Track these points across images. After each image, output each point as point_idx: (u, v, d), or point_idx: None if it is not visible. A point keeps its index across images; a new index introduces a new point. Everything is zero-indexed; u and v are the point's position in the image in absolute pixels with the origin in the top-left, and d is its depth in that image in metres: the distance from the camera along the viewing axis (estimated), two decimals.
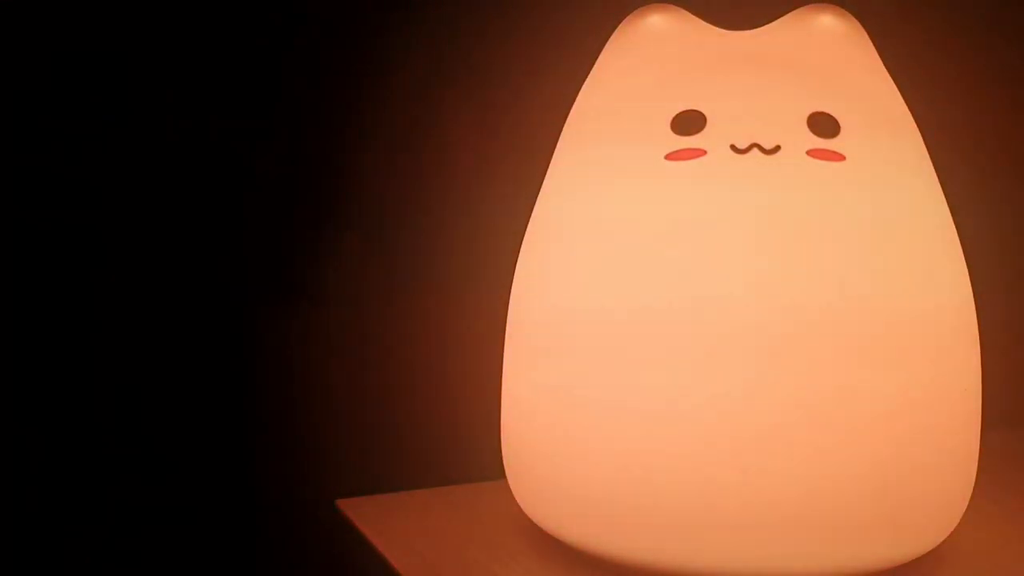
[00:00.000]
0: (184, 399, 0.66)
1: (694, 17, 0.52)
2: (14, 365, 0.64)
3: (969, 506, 0.51)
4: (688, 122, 0.48)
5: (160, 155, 0.65)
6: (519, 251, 0.54)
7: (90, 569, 0.65)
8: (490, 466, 0.57)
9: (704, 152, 0.47)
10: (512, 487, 0.54)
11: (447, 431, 0.69)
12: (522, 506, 0.54)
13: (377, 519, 0.58)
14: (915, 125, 0.51)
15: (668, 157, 0.48)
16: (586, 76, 0.54)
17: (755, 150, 0.47)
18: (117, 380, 0.65)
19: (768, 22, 0.52)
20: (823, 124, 0.48)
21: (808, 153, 0.47)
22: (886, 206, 0.47)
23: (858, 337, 0.45)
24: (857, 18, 0.52)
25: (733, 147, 0.47)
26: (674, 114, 0.49)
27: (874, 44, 0.52)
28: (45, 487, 0.64)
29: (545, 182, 0.54)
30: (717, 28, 0.52)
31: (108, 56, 0.64)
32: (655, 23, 0.52)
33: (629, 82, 0.52)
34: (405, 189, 0.70)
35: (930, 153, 0.51)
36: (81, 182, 0.64)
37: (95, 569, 0.66)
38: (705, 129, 0.48)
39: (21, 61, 0.62)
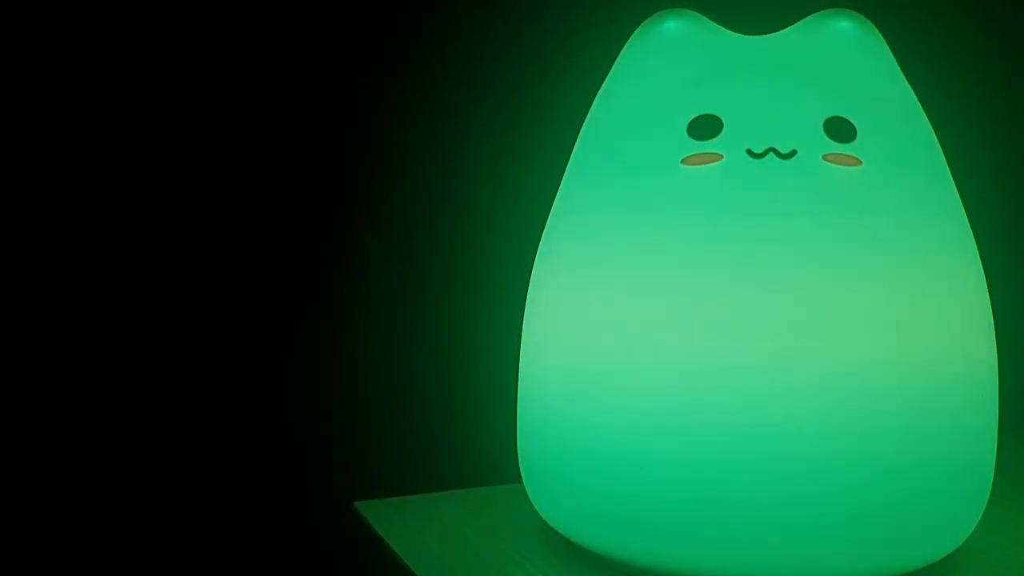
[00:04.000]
0: (205, 401, 0.67)
1: (710, 22, 0.52)
2: (40, 370, 0.64)
3: (986, 511, 0.50)
4: (705, 127, 0.48)
5: (187, 161, 0.65)
6: (536, 255, 0.55)
7: (112, 567, 0.66)
8: (507, 469, 0.57)
9: (720, 157, 0.47)
10: (529, 490, 0.55)
11: (464, 434, 0.69)
12: (539, 509, 0.54)
13: (395, 522, 0.58)
14: (932, 130, 0.51)
15: (685, 162, 0.48)
16: (603, 81, 0.54)
17: (771, 155, 0.47)
18: (141, 382, 0.66)
19: (785, 26, 0.52)
20: (840, 129, 0.48)
21: (825, 158, 0.47)
22: (902, 210, 0.47)
23: (874, 341, 0.45)
24: (874, 22, 0.52)
25: (749, 152, 0.47)
26: (691, 119, 0.49)
27: (891, 48, 0.52)
28: (67, 486, 0.65)
29: (562, 187, 0.54)
30: (734, 33, 0.52)
31: (126, 58, 0.64)
32: (672, 28, 0.52)
33: (646, 87, 0.52)
34: (425, 194, 0.70)
35: (947, 158, 0.51)
36: (107, 189, 0.64)
37: (117, 567, 0.66)
38: (722, 134, 0.48)
39: (22, 61, 0.62)
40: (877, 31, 0.52)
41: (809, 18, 0.51)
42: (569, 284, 0.51)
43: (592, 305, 0.49)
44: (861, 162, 0.47)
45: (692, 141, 0.48)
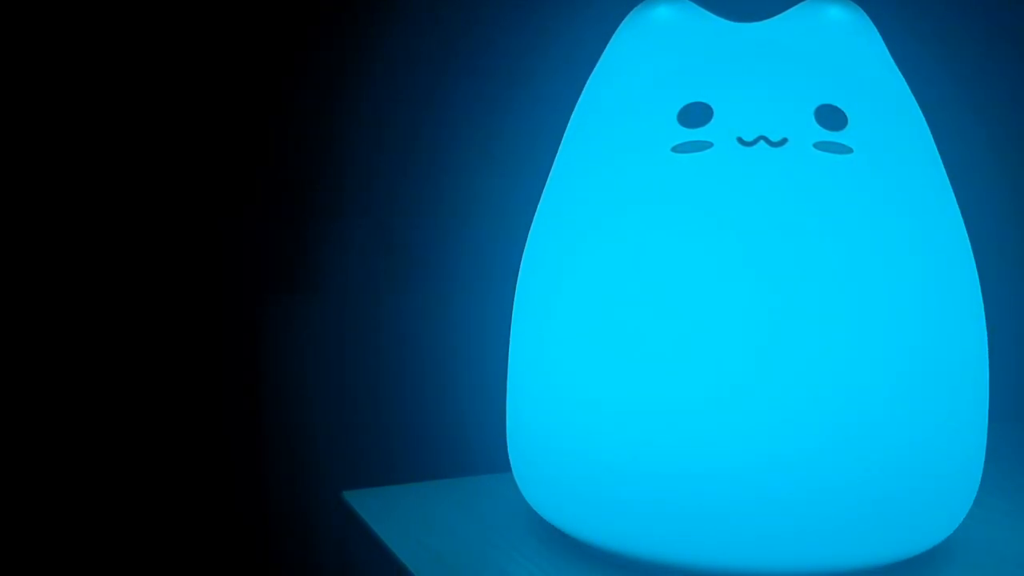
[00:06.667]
0: (192, 391, 0.67)
1: (701, 9, 0.52)
2: (29, 364, 0.64)
3: (976, 500, 0.50)
4: (695, 114, 0.48)
5: (170, 150, 0.65)
6: (526, 243, 0.54)
7: (103, 560, 0.66)
8: (496, 458, 0.57)
9: (710, 144, 0.47)
10: (517, 480, 0.54)
11: (453, 423, 0.69)
12: (527, 499, 0.54)
13: (383, 511, 0.58)
14: (923, 118, 0.51)
15: (675, 149, 0.48)
16: (593, 68, 0.54)
17: (762, 143, 0.47)
18: (126, 373, 0.65)
19: (776, 14, 0.52)
20: (830, 117, 0.48)
21: (815, 146, 0.47)
22: (893, 199, 0.47)
23: (864, 330, 0.45)
24: (865, 9, 0.51)
25: (740, 140, 0.47)
26: (681, 106, 0.48)
27: (882, 35, 0.52)
28: (56, 480, 0.65)
29: (551, 175, 0.54)
30: (724, 20, 0.52)
31: (114, 52, 0.64)
32: (662, 15, 0.52)
33: (635, 74, 0.51)
34: (413, 182, 0.70)
35: (938, 146, 0.51)
36: (93, 179, 0.64)
37: (108, 560, 0.66)
38: (712, 121, 0.48)
39: (21, 60, 0.62)
40: (868, 18, 0.52)
41: (800, 5, 0.51)
42: (558, 273, 0.51)
43: (581, 294, 0.49)
44: (852, 150, 0.47)
45: (682, 129, 0.48)
